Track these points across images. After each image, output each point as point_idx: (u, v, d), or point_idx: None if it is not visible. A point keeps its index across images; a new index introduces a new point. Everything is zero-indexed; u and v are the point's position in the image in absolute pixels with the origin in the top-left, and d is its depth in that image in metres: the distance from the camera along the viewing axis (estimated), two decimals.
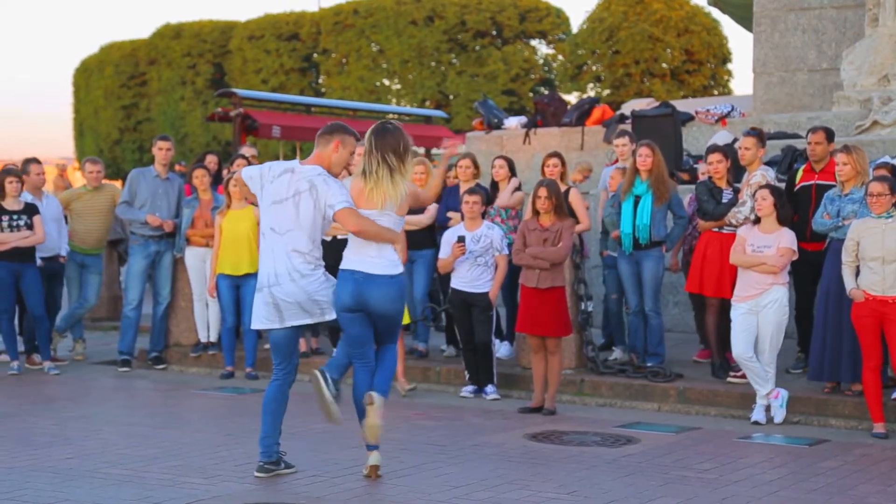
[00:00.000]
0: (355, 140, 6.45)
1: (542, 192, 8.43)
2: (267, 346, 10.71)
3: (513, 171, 9.86)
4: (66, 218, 10.98)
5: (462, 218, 9.01)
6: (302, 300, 6.16)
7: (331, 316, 6.21)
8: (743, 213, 8.67)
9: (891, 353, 7.63)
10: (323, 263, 6.28)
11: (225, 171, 11.43)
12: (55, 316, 10.73)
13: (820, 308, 8.36)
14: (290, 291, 6.15)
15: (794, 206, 8.89)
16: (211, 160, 11.55)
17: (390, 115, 21.97)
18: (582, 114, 14.05)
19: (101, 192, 10.96)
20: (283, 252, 6.17)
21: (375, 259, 6.18)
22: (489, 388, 8.95)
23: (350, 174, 10.14)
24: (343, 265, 6.22)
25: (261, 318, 6.28)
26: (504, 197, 9.70)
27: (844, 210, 8.24)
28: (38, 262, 10.28)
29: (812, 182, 8.92)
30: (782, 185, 9.24)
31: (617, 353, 9.85)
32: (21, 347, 10.53)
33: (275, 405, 6.40)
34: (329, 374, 6.24)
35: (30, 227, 10.02)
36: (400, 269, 6.28)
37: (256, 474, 6.34)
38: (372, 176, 6.18)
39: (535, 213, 8.54)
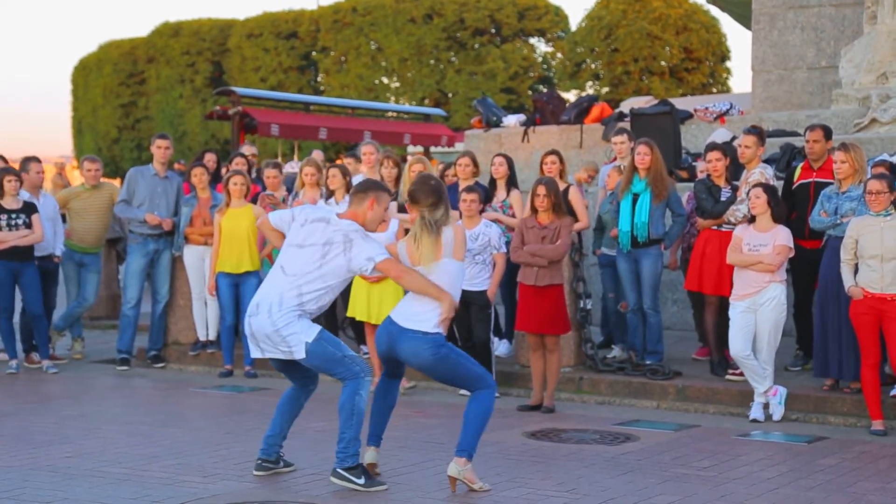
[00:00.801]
0: (389, 196, 6.38)
1: (541, 189, 8.43)
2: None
3: (512, 170, 9.84)
4: (64, 217, 10.99)
5: (460, 216, 9.01)
6: (269, 332, 6.06)
7: (300, 355, 6.06)
8: (742, 211, 8.67)
9: (889, 350, 7.64)
10: (309, 314, 6.14)
11: (224, 170, 11.43)
12: (51, 315, 10.73)
13: (819, 306, 8.36)
14: (261, 323, 6.09)
15: (793, 204, 8.90)
16: (210, 158, 11.55)
17: (389, 114, 21.95)
18: (581, 112, 14.05)
19: (99, 191, 10.96)
20: (279, 289, 6.10)
21: (416, 312, 6.01)
22: None
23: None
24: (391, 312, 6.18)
25: (249, 345, 6.33)
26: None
27: (842, 208, 8.24)
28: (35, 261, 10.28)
29: (810, 180, 8.93)
30: (780, 183, 9.26)
31: (616, 351, 9.85)
32: (20, 346, 10.53)
33: (287, 407, 6.39)
34: (341, 466, 6.10)
35: (28, 225, 10.02)
36: (436, 328, 6.00)
37: (255, 473, 6.34)
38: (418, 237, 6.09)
39: (534, 210, 8.54)
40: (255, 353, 6.26)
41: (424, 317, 5.98)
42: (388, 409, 6.32)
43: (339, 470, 6.07)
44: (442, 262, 6.03)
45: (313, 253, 6.07)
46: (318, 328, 6.13)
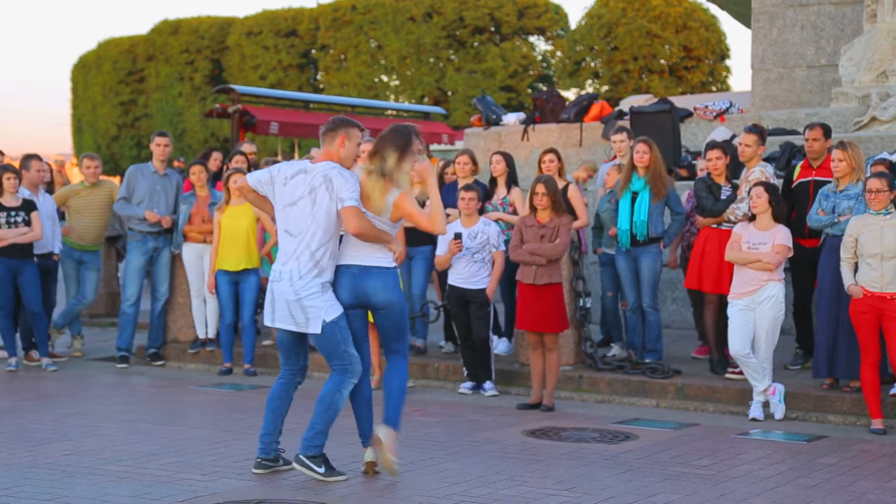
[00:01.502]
0: (360, 131, 6.40)
1: (540, 188, 8.43)
2: (266, 342, 10.74)
3: (511, 167, 9.83)
4: (62, 215, 10.99)
5: (459, 214, 9.01)
6: (291, 301, 6.08)
7: (315, 329, 6.07)
8: (742, 209, 8.67)
9: (889, 349, 7.64)
10: (330, 271, 6.13)
11: (224, 168, 11.42)
12: (50, 312, 10.72)
13: (818, 304, 8.36)
14: (283, 290, 6.11)
15: (792, 203, 8.90)
16: (216, 157, 11.54)
17: (389, 112, 21.96)
18: (580, 110, 14.04)
19: (98, 189, 10.96)
20: (293, 253, 6.13)
21: (372, 253, 6.13)
22: (487, 384, 8.95)
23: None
24: (339, 262, 6.18)
25: (265, 311, 6.33)
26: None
27: (840, 206, 8.24)
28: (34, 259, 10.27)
29: (810, 178, 8.93)
30: (780, 182, 9.25)
31: (615, 350, 9.85)
32: (19, 344, 10.53)
33: (277, 402, 6.38)
34: (305, 454, 6.18)
35: (27, 223, 10.02)
36: (393, 263, 6.21)
37: (254, 471, 6.34)
38: (370, 177, 6.14)
39: (532, 209, 8.54)
40: (267, 321, 6.25)
41: (381, 254, 6.13)
42: (367, 404, 6.31)
43: (301, 456, 6.17)
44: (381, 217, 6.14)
45: (305, 206, 6.12)
46: (340, 310, 6.13)
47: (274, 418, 6.36)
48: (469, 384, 9.04)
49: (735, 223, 8.62)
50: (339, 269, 6.17)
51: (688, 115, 13.04)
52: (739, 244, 8.14)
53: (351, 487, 6.07)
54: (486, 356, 8.96)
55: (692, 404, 8.63)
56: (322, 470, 6.15)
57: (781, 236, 8.05)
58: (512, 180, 9.74)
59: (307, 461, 6.17)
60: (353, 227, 6.03)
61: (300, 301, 6.06)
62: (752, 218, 8.20)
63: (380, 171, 6.13)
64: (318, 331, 6.06)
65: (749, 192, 8.29)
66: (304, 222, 6.10)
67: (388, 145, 6.18)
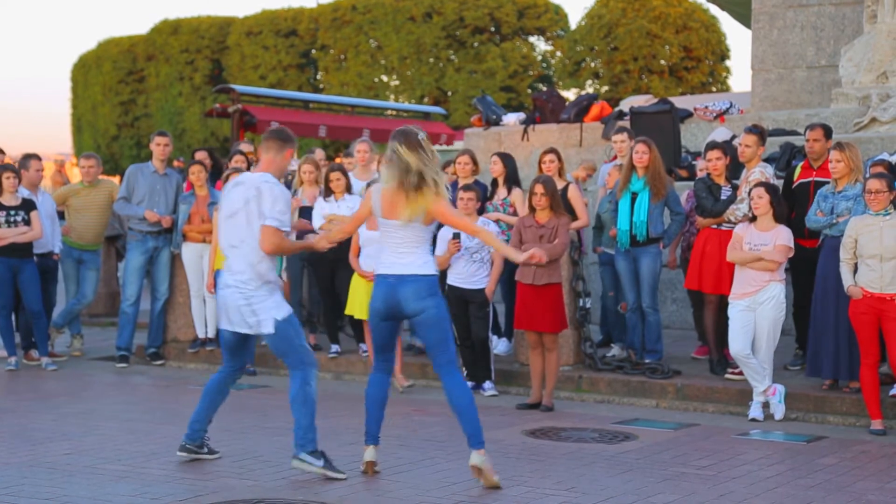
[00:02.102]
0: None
1: (539, 188, 8.43)
2: (265, 342, 10.72)
3: (511, 168, 9.81)
4: (62, 214, 10.99)
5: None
6: (240, 305, 6.25)
7: (268, 330, 6.23)
8: (742, 209, 8.67)
9: (888, 349, 7.64)
10: (272, 274, 6.29)
11: (224, 167, 11.42)
12: (50, 312, 10.72)
13: (816, 305, 8.36)
14: (233, 297, 6.27)
15: (792, 203, 8.89)
16: (202, 156, 11.48)
17: (389, 112, 21.96)
18: (580, 110, 14.05)
19: (98, 188, 10.96)
20: (235, 263, 6.28)
21: (411, 261, 6.06)
22: (487, 384, 8.95)
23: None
24: (377, 270, 6.19)
25: (218, 315, 6.51)
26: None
27: (838, 207, 8.24)
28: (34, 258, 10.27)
29: (810, 179, 8.93)
30: (780, 182, 9.25)
31: (615, 350, 9.85)
32: (19, 343, 10.53)
33: (213, 394, 6.59)
34: (301, 451, 6.28)
35: (27, 222, 10.01)
36: (433, 270, 6.11)
37: (178, 453, 6.52)
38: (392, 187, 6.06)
39: (532, 209, 8.54)
40: (221, 324, 6.44)
41: (420, 261, 6.06)
42: (382, 405, 6.36)
43: (298, 455, 6.26)
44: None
45: (241, 218, 6.25)
46: (289, 309, 6.34)
47: (206, 408, 6.57)
48: (468, 384, 9.03)
49: (735, 224, 8.62)
50: (376, 279, 6.19)
51: (688, 115, 13.03)
52: (741, 245, 8.14)
53: (350, 487, 6.07)
54: (485, 356, 8.96)
55: (692, 405, 8.63)
56: (321, 463, 6.24)
57: (783, 237, 8.05)
58: (512, 181, 9.73)
59: (305, 457, 6.25)
60: (266, 245, 6.16)
61: (251, 306, 6.23)
62: (753, 219, 8.20)
63: (411, 176, 5.97)
64: (272, 330, 6.23)
65: (749, 193, 8.28)
66: (242, 234, 6.25)
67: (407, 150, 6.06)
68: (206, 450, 6.60)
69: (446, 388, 6.17)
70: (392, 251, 6.10)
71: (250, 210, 6.21)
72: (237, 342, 6.47)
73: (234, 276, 6.27)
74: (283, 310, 6.28)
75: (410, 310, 6.07)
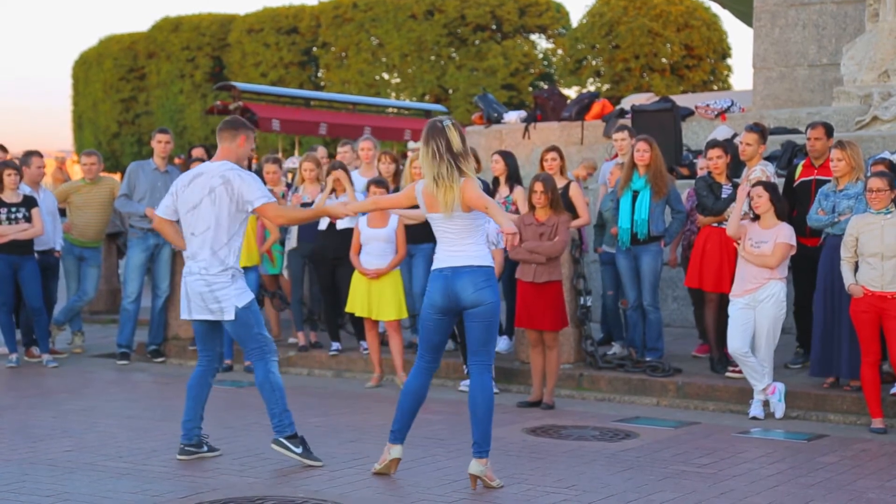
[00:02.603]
0: (254, 134, 6.71)
1: (538, 186, 8.43)
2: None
3: (512, 166, 9.80)
4: (63, 211, 10.99)
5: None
6: (204, 293, 6.39)
7: (229, 316, 6.36)
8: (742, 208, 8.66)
9: (889, 348, 7.64)
10: (234, 261, 6.41)
11: None
12: (51, 309, 10.73)
13: (818, 304, 8.36)
14: (196, 284, 6.43)
15: (794, 202, 8.89)
16: (198, 153, 11.49)
17: (390, 109, 21.94)
18: (582, 108, 14.05)
19: (99, 185, 10.96)
20: (199, 252, 6.41)
21: (466, 252, 6.01)
22: None
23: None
24: (433, 265, 6.13)
25: (181, 306, 6.56)
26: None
27: (839, 206, 8.24)
28: (35, 255, 10.27)
29: (812, 177, 8.92)
30: (781, 181, 9.25)
31: (616, 348, 9.84)
32: (20, 340, 10.53)
33: (197, 390, 6.62)
34: (280, 436, 6.43)
35: (28, 219, 10.02)
36: (489, 261, 6.06)
37: (178, 457, 6.52)
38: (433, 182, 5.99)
39: (531, 207, 8.54)
40: (184, 315, 6.53)
41: (473, 253, 5.98)
42: (417, 404, 6.24)
43: (278, 439, 6.42)
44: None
45: (206, 206, 6.39)
46: (251, 296, 6.47)
47: (194, 405, 6.60)
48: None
49: None
50: (432, 274, 6.11)
51: (689, 113, 13.03)
52: (744, 242, 8.14)
53: (351, 485, 6.07)
54: None
55: (692, 403, 8.63)
56: (299, 450, 6.38)
57: (784, 234, 8.05)
58: (514, 179, 9.72)
59: (284, 441, 6.40)
60: (278, 219, 6.64)
61: (213, 292, 6.37)
62: (756, 217, 8.20)
63: (441, 166, 5.92)
64: (233, 317, 6.37)
65: (749, 193, 8.28)
66: (206, 221, 6.38)
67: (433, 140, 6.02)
68: (205, 448, 6.63)
69: (473, 386, 6.06)
70: (444, 246, 6.06)
71: (216, 196, 6.36)
72: (205, 331, 6.56)
73: (196, 263, 6.41)
74: (245, 297, 6.42)
75: (469, 301, 5.95)
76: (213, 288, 6.38)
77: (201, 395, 6.63)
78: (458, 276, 5.96)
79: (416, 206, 6.20)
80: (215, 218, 6.37)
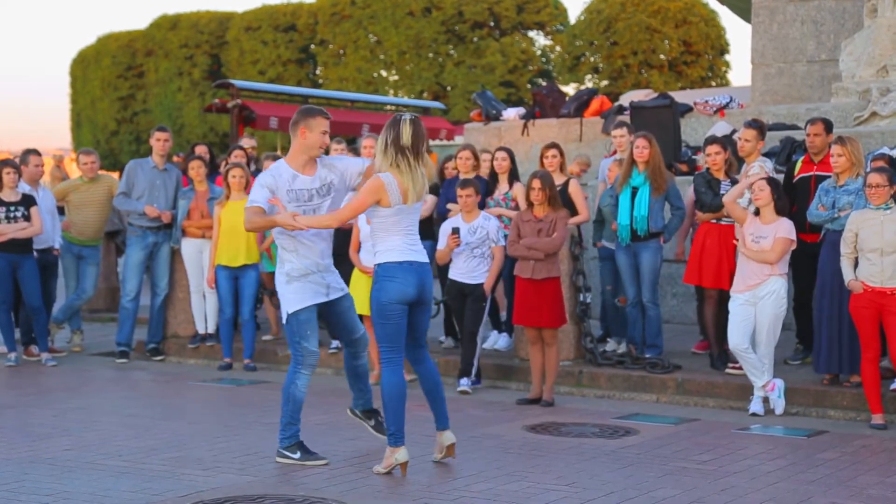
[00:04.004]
0: (325, 118, 6.56)
1: (536, 183, 8.43)
2: (265, 337, 10.74)
3: (514, 163, 9.80)
4: (62, 210, 10.97)
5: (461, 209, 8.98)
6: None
7: (283, 319, 6.55)
8: (741, 204, 8.66)
9: (889, 344, 7.63)
10: (298, 273, 6.46)
11: (223, 163, 11.40)
12: (50, 308, 10.72)
13: (817, 300, 8.36)
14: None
15: (793, 198, 8.88)
16: (202, 150, 11.48)
17: (388, 107, 21.94)
18: (580, 105, 14.03)
19: (98, 184, 10.95)
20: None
21: (418, 249, 6.26)
22: (463, 380, 8.86)
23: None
24: (403, 257, 6.15)
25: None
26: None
27: (840, 201, 8.23)
28: (34, 254, 10.26)
29: (811, 173, 8.92)
30: (781, 177, 9.24)
31: (611, 345, 9.82)
32: (19, 338, 10.53)
33: (348, 375, 6.80)
34: (280, 447, 6.53)
35: (27, 218, 10.01)
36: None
37: (348, 415, 6.89)
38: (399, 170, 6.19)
39: (529, 204, 8.53)
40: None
41: (422, 249, 6.31)
42: (403, 398, 6.30)
43: (279, 450, 6.52)
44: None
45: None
46: (300, 306, 6.42)
47: (350, 386, 6.80)
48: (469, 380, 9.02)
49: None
50: (402, 266, 6.15)
51: (688, 109, 13.02)
52: (744, 238, 8.14)
53: (350, 483, 6.07)
54: (471, 349, 8.90)
55: (692, 399, 8.62)
56: (297, 455, 6.44)
57: (784, 229, 8.04)
58: (514, 176, 9.72)
59: (283, 451, 6.49)
60: (245, 226, 6.46)
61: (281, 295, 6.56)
62: (757, 212, 8.20)
63: (403, 154, 6.11)
64: (285, 322, 6.52)
65: (751, 187, 8.28)
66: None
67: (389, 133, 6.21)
68: (374, 421, 6.81)
69: (426, 371, 6.42)
70: (412, 237, 6.24)
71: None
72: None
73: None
74: (293, 306, 6.43)
75: (430, 297, 6.30)
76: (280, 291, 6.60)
77: (351, 377, 6.74)
78: (425, 270, 6.26)
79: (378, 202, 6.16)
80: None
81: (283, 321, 6.54)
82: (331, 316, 6.59)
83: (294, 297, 6.41)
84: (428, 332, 6.49)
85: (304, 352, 6.46)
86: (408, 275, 6.11)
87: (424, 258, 6.25)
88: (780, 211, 8.14)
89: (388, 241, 6.17)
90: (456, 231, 8.65)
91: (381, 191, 6.10)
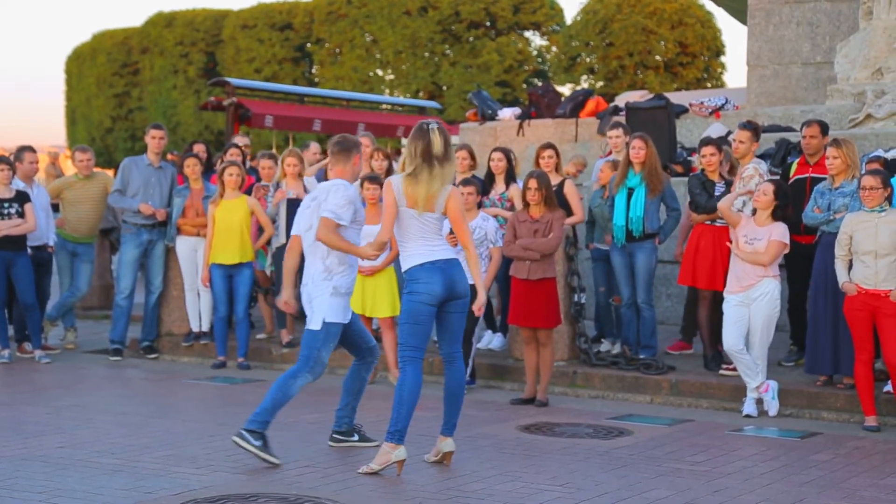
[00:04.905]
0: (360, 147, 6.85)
1: (532, 183, 8.43)
2: (259, 335, 10.73)
3: (511, 164, 9.80)
4: (56, 207, 10.96)
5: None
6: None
7: (314, 325, 6.55)
8: (736, 205, 8.67)
9: (882, 346, 7.64)
10: (342, 287, 6.59)
11: (218, 161, 11.39)
12: (44, 305, 10.70)
13: (812, 302, 8.37)
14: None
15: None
16: (199, 149, 11.48)
17: (384, 106, 21.92)
18: (576, 105, 14.03)
19: (93, 181, 10.93)
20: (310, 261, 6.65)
21: (442, 248, 6.30)
22: None
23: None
24: (423, 259, 6.22)
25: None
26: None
27: (835, 203, 8.25)
28: (28, 251, 10.25)
29: (807, 175, 8.94)
30: (776, 179, 9.25)
31: (605, 345, 9.83)
32: (13, 335, 10.51)
33: (349, 382, 6.87)
34: (245, 427, 6.46)
35: (21, 215, 9.99)
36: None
37: (329, 444, 6.83)
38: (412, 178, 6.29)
39: (526, 204, 8.53)
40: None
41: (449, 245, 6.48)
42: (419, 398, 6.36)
43: (242, 429, 6.42)
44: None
45: (312, 218, 6.61)
46: (341, 320, 6.55)
47: (346, 395, 6.84)
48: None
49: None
50: (426, 266, 6.22)
51: (683, 111, 13.02)
52: (738, 239, 8.15)
53: (344, 483, 6.06)
54: (465, 349, 8.87)
55: (686, 400, 8.63)
56: (258, 443, 6.37)
57: (778, 232, 8.05)
58: (510, 177, 9.72)
59: (244, 433, 6.40)
60: (319, 233, 6.46)
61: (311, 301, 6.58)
62: (753, 211, 8.22)
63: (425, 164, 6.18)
64: (317, 327, 6.51)
65: (756, 186, 8.31)
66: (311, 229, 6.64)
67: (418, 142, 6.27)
68: (356, 436, 6.84)
69: (455, 372, 6.41)
70: (424, 240, 6.28)
71: (314, 208, 6.55)
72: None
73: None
74: (336, 317, 6.52)
75: (463, 290, 6.30)
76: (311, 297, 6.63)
77: (352, 386, 6.82)
78: (452, 266, 6.25)
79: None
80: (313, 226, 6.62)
81: (313, 325, 6.48)
82: (347, 330, 6.69)
83: (338, 310, 6.52)
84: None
85: (318, 361, 6.50)
86: (432, 274, 6.19)
87: (448, 255, 6.28)
88: (777, 217, 8.13)
89: (408, 247, 6.29)
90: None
91: (389, 191, 6.24)
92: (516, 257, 8.47)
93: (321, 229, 6.42)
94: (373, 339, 6.91)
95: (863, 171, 8.18)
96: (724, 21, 53.83)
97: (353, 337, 6.75)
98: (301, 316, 10.72)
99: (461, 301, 6.32)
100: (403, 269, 6.32)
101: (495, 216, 9.25)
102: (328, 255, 6.49)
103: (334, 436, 6.86)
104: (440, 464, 6.44)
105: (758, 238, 8.08)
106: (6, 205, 9.95)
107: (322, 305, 6.48)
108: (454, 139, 19.35)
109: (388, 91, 31.72)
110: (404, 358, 6.28)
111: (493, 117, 14.70)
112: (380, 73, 32.13)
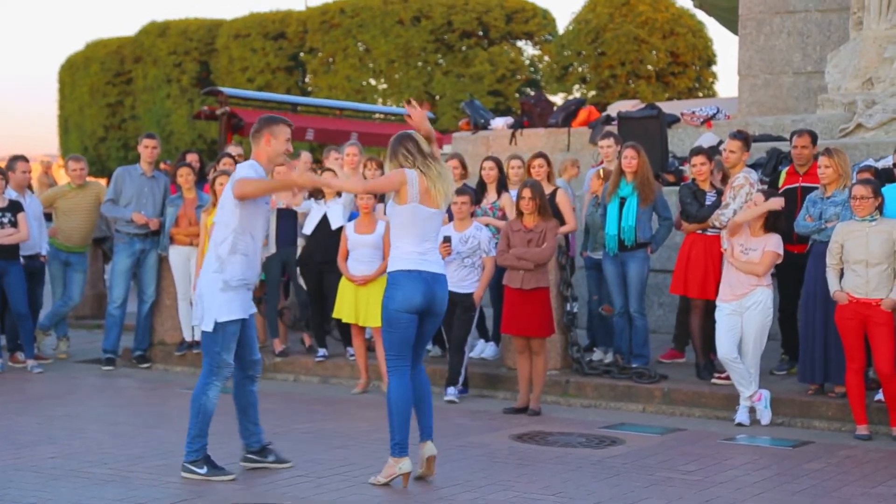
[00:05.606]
0: (288, 127, 6.42)
1: (526, 192, 8.45)
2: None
3: (502, 173, 9.84)
4: (49, 216, 10.95)
5: (450, 218, 9.00)
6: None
7: (206, 327, 6.32)
8: (727, 215, 8.70)
9: (874, 355, 7.67)
10: (230, 268, 6.27)
11: (210, 171, 11.39)
12: (37, 314, 10.69)
13: (803, 311, 8.40)
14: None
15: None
16: (192, 158, 11.50)
17: (376, 115, 21.94)
18: (568, 115, 14.07)
19: (86, 190, 10.93)
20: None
21: (432, 259, 6.17)
22: (450, 389, 8.87)
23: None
24: (411, 266, 6.09)
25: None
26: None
27: (827, 213, 8.28)
28: (21, 260, 10.24)
29: (797, 184, 8.97)
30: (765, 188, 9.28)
31: (597, 354, 9.84)
32: (5, 345, 10.49)
33: (236, 402, 6.69)
34: (185, 460, 6.35)
35: (14, 224, 9.98)
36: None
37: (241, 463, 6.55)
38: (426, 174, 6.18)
39: (519, 213, 8.55)
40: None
41: (439, 260, 6.25)
42: (410, 406, 6.28)
43: (184, 463, 6.33)
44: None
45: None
46: (232, 317, 6.26)
47: (238, 416, 6.67)
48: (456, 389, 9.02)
49: (720, 229, 8.66)
50: (410, 274, 6.09)
51: (675, 120, 13.06)
52: (733, 248, 8.17)
53: (338, 492, 6.07)
54: (458, 358, 8.92)
55: (678, 409, 8.64)
56: (204, 471, 6.27)
57: (773, 243, 8.08)
58: (502, 186, 9.75)
59: (189, 466, 6.30)
60: (235, 191, 6.12)
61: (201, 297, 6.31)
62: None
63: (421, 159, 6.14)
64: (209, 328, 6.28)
65: (752, 195, 8.35)
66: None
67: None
68: (272, 457, 6.58)
69: (417, 375, 6.28)
70: (427, 245, 6.17)
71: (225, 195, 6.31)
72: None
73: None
74: (225, 315, 6.23)
75: (441, 307, 6.20)
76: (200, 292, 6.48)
77: (240, 404, 6.63)
78: (437, 282, 6.14)
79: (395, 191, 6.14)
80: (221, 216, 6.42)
81: (205, 327, 6.23)
82: (240, 332, 6.39)
83: (227, 306, 6.21)
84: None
85: (221, 363, 6.31)
86: (415, 283, 6.05)
87: (437, 268, 6.14)
88: (769, 229, 8.16)
89: (400, 248, 6.12)
90: (447, 240, 8.66)
91: (403, 182, 6.06)
92: (510, 267, 8.49)
93: (237, 187, 6.10)
94: (258, 353, 6.58)
95: (854, 181, 8.22)
96: (716, 31, 53.99)
97: (242, 341, 6.39)
98: (293, 325, 10.82)
99: (438, 317, 6.24)
100: (388, 270, 6.18)
101: (486, 225, 9.27)
102: (222, 242, 6.19)
103: (247, 456, 6.56)
104: (429, 475, 6.27)
105: (752, 248, 8.11)
106: None
107: (212, 304, 6.19)
108: (447, 148, 19.40)
109: (380, 100, 31.76)
110: (389, 368, 6.23)
111: (485, 127, 14.73)
112: (373, 82, 32.17)
